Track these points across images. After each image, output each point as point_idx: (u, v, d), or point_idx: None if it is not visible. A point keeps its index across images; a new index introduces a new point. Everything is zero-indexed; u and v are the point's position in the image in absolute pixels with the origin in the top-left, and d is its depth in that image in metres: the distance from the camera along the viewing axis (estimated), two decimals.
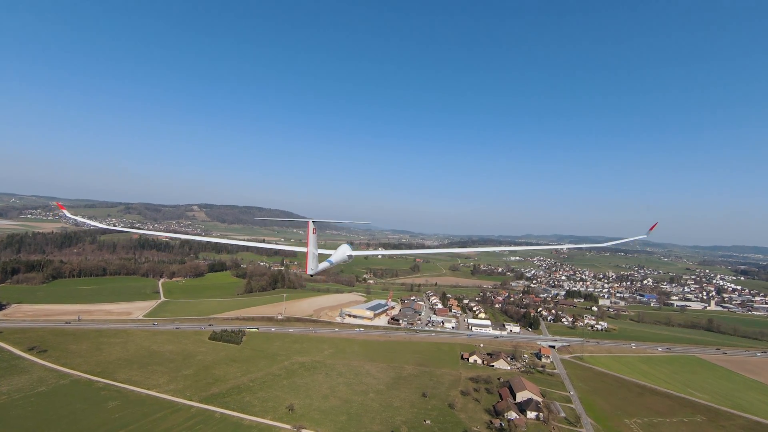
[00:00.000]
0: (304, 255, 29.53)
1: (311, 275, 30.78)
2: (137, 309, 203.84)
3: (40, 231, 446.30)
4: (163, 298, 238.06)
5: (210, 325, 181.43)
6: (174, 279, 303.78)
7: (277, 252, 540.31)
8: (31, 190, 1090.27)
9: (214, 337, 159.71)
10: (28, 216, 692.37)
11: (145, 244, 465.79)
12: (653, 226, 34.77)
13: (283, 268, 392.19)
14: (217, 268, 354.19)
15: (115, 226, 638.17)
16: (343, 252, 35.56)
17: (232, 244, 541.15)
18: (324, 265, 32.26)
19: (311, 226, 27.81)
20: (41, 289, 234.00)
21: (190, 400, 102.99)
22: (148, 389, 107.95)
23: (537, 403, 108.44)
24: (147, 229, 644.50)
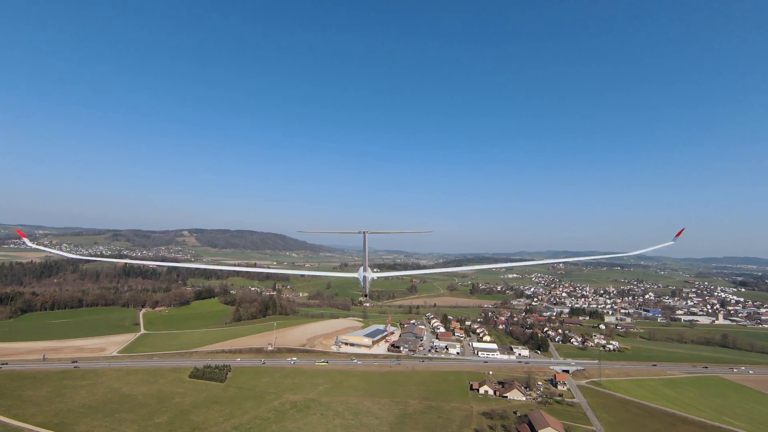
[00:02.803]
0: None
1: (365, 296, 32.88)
2: (112, 344, 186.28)
3: (20, 261, 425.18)
4: (143, 331, 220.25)
5: (194, 360, 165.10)
6: (157, 309, 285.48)
7: (268, 276, 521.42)
8: (16, 219, 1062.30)
9: (195, 374, 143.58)
10: (11, 246, 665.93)
11: (130, 271, 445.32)
12: (680, 232, 26.91)
13: (275, 293, 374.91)
14: (204, 295, 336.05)
15: (101, 254, 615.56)
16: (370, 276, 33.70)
17: (222, 270, 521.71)
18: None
19: (366, 239, 23.56)
20: (6, 325, 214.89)
21: None
22: None
23: None
24: (135, 256, 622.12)
